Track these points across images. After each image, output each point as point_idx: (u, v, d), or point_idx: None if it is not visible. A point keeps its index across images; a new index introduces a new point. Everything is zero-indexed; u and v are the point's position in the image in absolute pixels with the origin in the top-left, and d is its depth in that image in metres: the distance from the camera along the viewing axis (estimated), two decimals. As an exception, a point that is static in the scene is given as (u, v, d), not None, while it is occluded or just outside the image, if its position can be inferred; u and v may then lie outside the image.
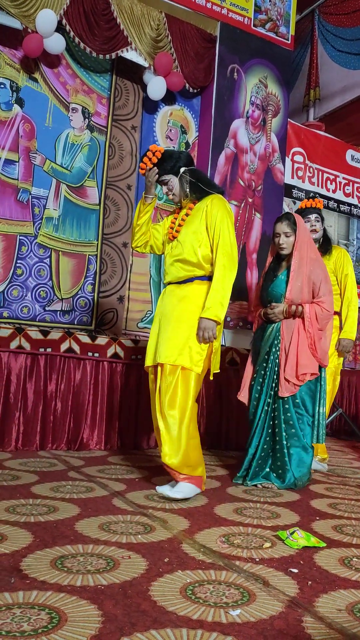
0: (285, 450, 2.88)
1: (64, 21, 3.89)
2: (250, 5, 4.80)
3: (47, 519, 2.13)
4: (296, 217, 3.01)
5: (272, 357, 2.96)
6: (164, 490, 2.55)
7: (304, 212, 3.49)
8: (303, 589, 1.63)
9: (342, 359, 3.54)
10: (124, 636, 1.30)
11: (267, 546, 1.98)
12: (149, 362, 2.67)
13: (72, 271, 4.23)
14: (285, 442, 2.88)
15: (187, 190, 2.69)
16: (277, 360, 2.94)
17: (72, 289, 4.22)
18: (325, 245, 3.53)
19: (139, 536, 2.00)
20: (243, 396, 3.08)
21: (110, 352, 3.68)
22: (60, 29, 3.90)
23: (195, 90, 4.62)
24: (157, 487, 2.61)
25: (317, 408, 2.98)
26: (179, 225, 2.71)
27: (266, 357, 2.98)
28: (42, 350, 3.52)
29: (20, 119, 4.04)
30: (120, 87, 4.46)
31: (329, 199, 5.95)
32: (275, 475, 2.92)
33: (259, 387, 2.98)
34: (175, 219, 2.78)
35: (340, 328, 3.48)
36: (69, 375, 3.59)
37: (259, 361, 3.01)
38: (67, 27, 3.91)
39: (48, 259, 4.13)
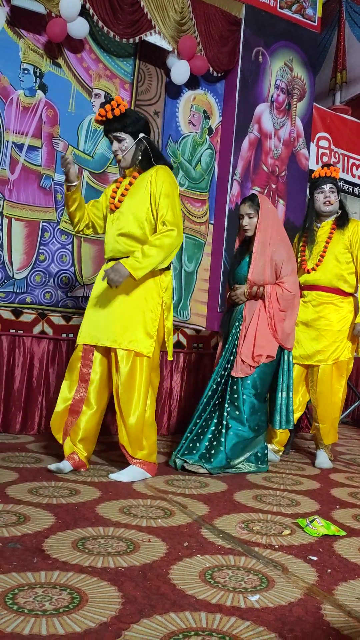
0: (224, 430, 2.78)
1: (87, 5, 3.86)
2: (276, -14, 4.70)
3: (68, 501, 2.17)
4: (261, 198, 2.98)
5: (231, 338, 2.94)
6: (114, 475, 2.54)
7: (317, 182, 3.22)
8: (322, 577, 1.63)
9: (356, 345, 3.28)
10: (143, 618, 1.32)
11: (286, 533, 1.98)
12: (86, 339, 2.58)
13: (94, 257, 4.25)
14: (225, 423, 2.80)
15: (139, 157, 2.58)
16: (236, 342, 2.91)
17: (94, 275, 4.24)
18: (342, 219, 3.23)
19: (159, 520, 2.02)
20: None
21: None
22: (83, 13, 3.88)
23: (219, 74, 4.56)
24: (110, 475, 2.57)
25: (280, 393, 2.91)
26: (122, 195, 2.59)
27: (230, 339, 2.96)
28: (64, 335, 3.55)
29: (43, 105, 4.04)
30: (143, 71, 4.42)
31: (354, 185, 5.84)
32: (205, 454, 2.76)
33: (218, 368, 2.96)
34: (118, 188, 2.65)
35: (356, 312, 3.22)
36: (91, 360, 3.62)
37: (227, 344, 2.99)
38: (91, 11, 3.89)
39: (70, 245, 4.15)
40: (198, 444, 2.80)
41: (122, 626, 1.27)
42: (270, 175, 4.74)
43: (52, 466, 2.56)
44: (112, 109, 2.52)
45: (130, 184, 2.57)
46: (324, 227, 3.26)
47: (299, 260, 3.28)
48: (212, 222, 4.64)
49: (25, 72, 3.98)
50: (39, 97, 4.02)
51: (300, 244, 3.34)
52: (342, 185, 5.72)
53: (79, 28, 3.88)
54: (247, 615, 1.37)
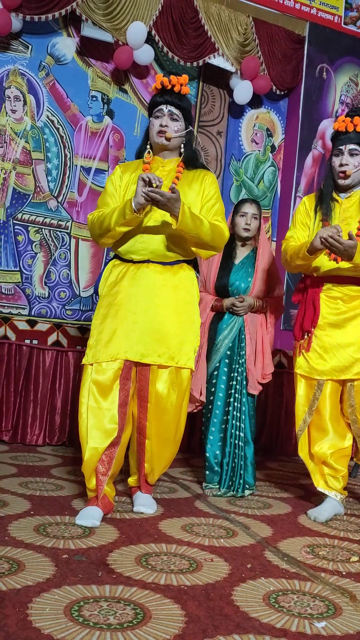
0: (247, 446, 2.74)
1: (153, 32, 3.99)
2: (340, 4, 4.68)
3: (132, 516, 2.19)
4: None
5: (237, 355, 2.76)
6: (140, 508, 2.25)
7: (335, 140, 2.44)
8: (393, 608, 1.55)
9: None
10: (207, 638, 1.30)
11: (354, 560, 1.91)
12: (125, 354, 2.17)
13: (158, 275, 4.32)
14: (243, 445, 2.72)
15: (183, 150, 2.32)
16: (244, 358, 2.77)
17: (157, 293, 4.31)
18: None
19: (221, 540, 2.01)
20: (204, 396, 2.77)
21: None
22: (149, 39, 4.01)
23: (283, 92, 4.57)
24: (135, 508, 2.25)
25: None
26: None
27: (228, 352, 2.78)
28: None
29: (110, 130, 4.19)
30: (206, 93, 4.50)
31: None
32: (248, 475, 2.74)
33: (222, 386, 2.76)
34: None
35: None
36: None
37: (219, 356, 2.78)
38: (156, 37, 4.01)
39: (135, 264, 4.24)
40: (241, 472, 2.70)
41: (185, 645, 1.26)
42: (335, 191, 4.66)
43: (84, 522, 2.05)
44: (182, 84, 2.26)
45: (177, 178, 2.27)
46: (352, 199, 2.47)
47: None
48: (275, 239, 4.61)
49: (94, 99, 4.15)
50: (106, 123, 4.18)
51: (318, 219, 2.50)
52: None
53: (144, 54, 4.01)
54: (313, 642, 1.33)
